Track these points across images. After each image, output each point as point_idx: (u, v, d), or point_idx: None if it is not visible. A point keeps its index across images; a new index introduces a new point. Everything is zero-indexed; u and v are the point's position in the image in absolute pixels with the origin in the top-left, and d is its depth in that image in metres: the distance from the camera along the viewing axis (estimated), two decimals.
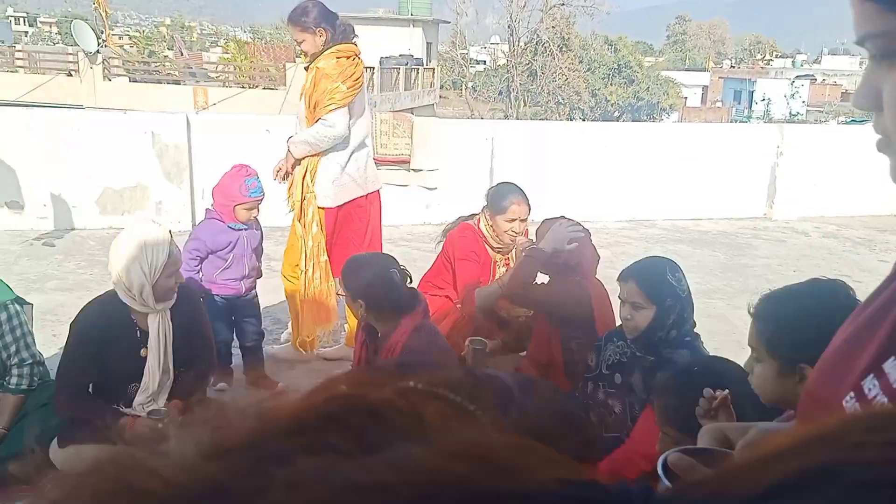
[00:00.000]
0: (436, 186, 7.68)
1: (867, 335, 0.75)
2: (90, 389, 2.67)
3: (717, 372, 1.66)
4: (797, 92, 44.85)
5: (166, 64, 22.15)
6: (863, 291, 1.39)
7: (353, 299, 2.57)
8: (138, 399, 2.69)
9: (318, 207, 3.71)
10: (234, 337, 3.58)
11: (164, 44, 38.92)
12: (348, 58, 3.72)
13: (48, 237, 6.51)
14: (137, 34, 47.98)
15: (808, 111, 45.16)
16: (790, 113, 41.54)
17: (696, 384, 1.71)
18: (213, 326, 3.35)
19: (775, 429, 0.78)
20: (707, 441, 0.78)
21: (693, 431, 1.67)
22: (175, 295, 2.71)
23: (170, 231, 2.70)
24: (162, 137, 7.02)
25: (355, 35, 3.87)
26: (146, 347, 2.66)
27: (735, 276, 6.10)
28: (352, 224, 3.83)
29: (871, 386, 0.70)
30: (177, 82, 19.11)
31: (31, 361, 2.72)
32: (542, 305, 3.20)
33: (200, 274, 3.37)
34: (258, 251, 3.56)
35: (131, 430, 2.58)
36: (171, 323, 2.71)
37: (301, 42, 3.73)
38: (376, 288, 2.50)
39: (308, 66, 3.78)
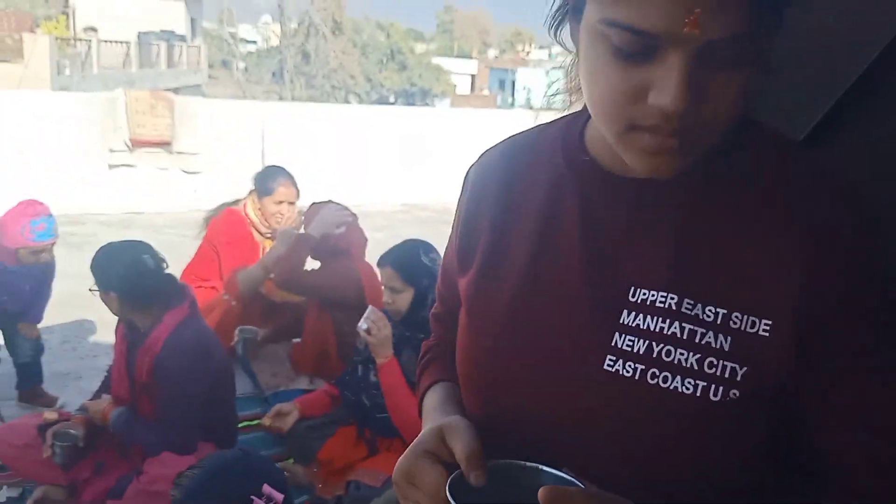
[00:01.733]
0: (201, 170, 7.30)
1: (557, 275, 0.74)
2: None
3: None
4: (553, 82, 48.67)
5: None
6: None
7: (105, 292, 2.35)
8: None
9: None
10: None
11: None
12: None
13: None
14: None
15: (562, 100, 49.22)
16: (548, 101, 44.95)
17: None
18: None
19: (457, 424, 0.72)
20: (432, 446, 0.70)
21: None
22: None
23: None
24: None
25: None
26: None
27: None
28: None
29: (627, 343, 0.68)
30: None
31: None
32: (313, 291, 3.18)
33: None
34: (39, 299, 3.12)
35: None
36: None
37: None
38: (128, 278, 2.31)
39: None
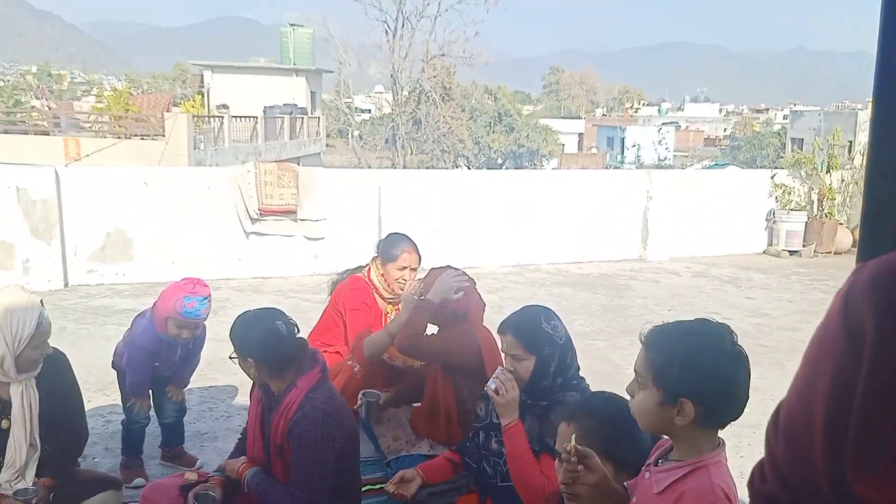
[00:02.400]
0: (323, 236, 7.64)
1: None
2: None
3: (621, 403, 1.77)
4: (664, 138, 48.01)
5: (33, 114, 20.96)
6: (734, 328, 1.56)
7: (244, 359, 2.48)
8: (3, 476, 2.50)
9: None
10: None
11: (31, 93, 36.86)
12: None
13: None
14: (1, 83, 45.22)
15: (674, 156, 48.36)
16: (658, 158, 44.26)
17: (608, 406, 1.82)
18: (127, 409, 3.18)
19: None
20: None
21: (612, 454, 1.75)
22: (40, 364, 2.55)
23: (41, 300, 2.53)
24: (28, 192, 6.64)
25: None
26: (8, 419, 2.48)
27: (615, 316, 6.38)
28: None
29: None
30: (45, 133, 18.10)
31: None
32: (433, 355, 3.23)
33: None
34: (188, 365, 3.38)
35: None
36: (36, 392, 2.54)
37: None
38: (265, 344, 2.43)
39: None
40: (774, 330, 5.99)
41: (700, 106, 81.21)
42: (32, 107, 25.00)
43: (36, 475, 2.55)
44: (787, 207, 9.57)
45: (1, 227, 6.61)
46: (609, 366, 4.95)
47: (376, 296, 3.64)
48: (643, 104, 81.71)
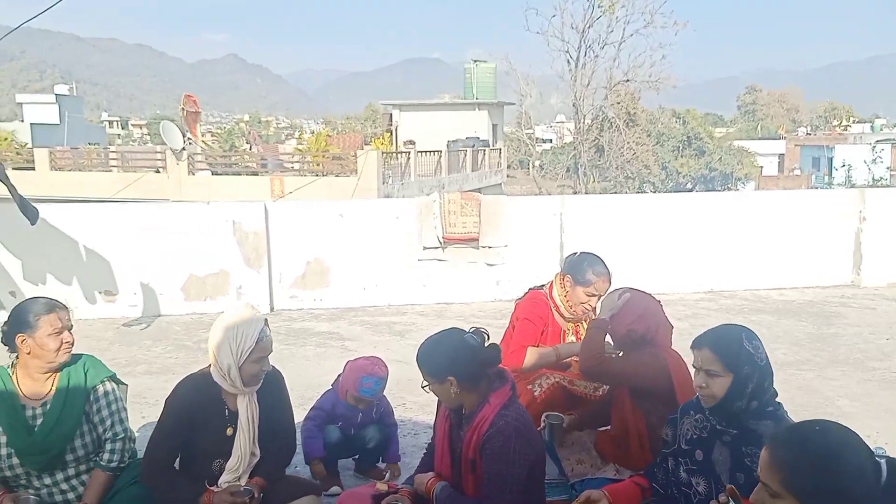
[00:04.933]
0: (504, 262, 7.71)
1: None
2: (178, 465, 2.75)
3: (836, 439, 1.58)
4: (879, 156, 43.47)
5: (245, 157, 23.33)
6: None
7: (441, 380, 2.49)
8: (225, 478, 2.75)
9: None
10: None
11: (244, 138, 41.19)
12: None
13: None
14: (220, 131, 51.01)
15: (892, 175, 43.56)
16: (873, 178, 40.17)
17: (817, 439, 1.61)
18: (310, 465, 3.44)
19: None
20: None
21: (800, 495, 1.55)
22: (261, 380, 2.79)
23: (265, 319, 2.77)
24: (242, 225, 7.35)
25: None
26: (232, 426, 2.74)
27: (824, 346, 5.81)
28: None
29: None
30: (255, 173, 20.06)
31: (123, 436, 2.80)
32: (618, 377, 3.13)
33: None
34: (388, 439, 3.61)
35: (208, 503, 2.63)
36: (257, 405, 2.79)
37: None
38: (460, 357, 2.46)
39: None
40: None
41: None
42: (245, 150, 27.85)
43: (249, 477, 2.79)
44: None
45: (220, 258, 7.37)
46: (817, 397, 4.49)
47: (555, 313, 3.57)
48: (853, 121, 74.59)
